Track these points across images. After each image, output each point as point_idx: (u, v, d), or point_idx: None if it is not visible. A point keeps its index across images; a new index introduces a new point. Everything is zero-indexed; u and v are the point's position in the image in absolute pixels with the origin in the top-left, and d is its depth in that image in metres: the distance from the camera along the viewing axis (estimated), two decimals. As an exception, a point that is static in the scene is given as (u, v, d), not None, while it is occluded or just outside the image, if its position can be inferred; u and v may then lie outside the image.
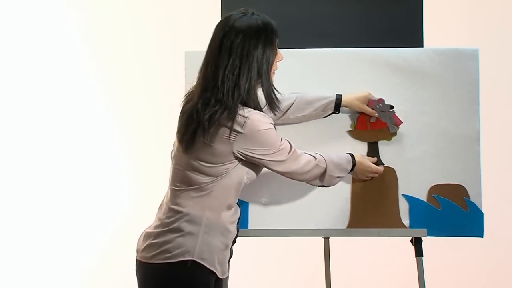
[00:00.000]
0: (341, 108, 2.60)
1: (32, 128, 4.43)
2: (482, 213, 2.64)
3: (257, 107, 2.20)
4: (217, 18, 2.71)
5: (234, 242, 2.32)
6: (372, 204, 2.65)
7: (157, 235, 2.21)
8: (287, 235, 2.67)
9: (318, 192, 2.65)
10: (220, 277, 2.25)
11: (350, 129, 2.67)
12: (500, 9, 4.27)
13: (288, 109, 2.58)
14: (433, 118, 2.66)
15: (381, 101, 2.64)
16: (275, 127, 2.23)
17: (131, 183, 4.39)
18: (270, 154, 2.21)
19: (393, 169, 2.66)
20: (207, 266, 2.19)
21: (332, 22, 2.74)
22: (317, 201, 2.66)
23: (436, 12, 3.61)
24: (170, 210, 2.23)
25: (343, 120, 2.66)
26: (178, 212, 2.21)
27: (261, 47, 2.18)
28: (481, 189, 2.65)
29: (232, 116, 2.13)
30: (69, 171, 4.42)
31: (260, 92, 2.23)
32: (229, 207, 2.25)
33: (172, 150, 2.32)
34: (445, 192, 2.64)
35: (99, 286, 4.37)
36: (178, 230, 2.19)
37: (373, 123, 2.65)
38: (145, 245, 2.23)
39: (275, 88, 2.25)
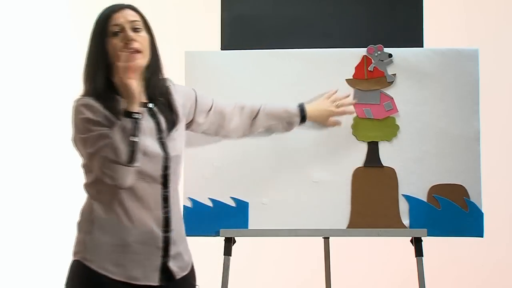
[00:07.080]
0: None
1: (31, 125, 4.43)
2: (482, 213, 2.63)
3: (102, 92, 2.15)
4: (217, 18, 2.72)
5: None
6: (372, 204, 2.65)
7: None
8: (287, 235, 2.67)
9: (318, 192, 2.65)
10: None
11: (348, 78, 2.66)
12: (500, 9, 4.27)
13: (256, 117, 2.53)
14: (433, 118, 2.66)
15: (380, 48, 2.64)
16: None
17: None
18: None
19: (393, 169, 2.66)
20: None
21: (333, 22, 2.74)
22: (317, 201, 2.65)
23: (436, 12, 3.60)
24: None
25: (343, 122, 2.66)
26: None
27: (93, 39, 2.20)
28: (481, 189, 2.64)
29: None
30: (68, 169, 4.41)
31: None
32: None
33: None
34: (445, 192, 2.64)
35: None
36: None
37: (371, 71, 2.65)
38: None
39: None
